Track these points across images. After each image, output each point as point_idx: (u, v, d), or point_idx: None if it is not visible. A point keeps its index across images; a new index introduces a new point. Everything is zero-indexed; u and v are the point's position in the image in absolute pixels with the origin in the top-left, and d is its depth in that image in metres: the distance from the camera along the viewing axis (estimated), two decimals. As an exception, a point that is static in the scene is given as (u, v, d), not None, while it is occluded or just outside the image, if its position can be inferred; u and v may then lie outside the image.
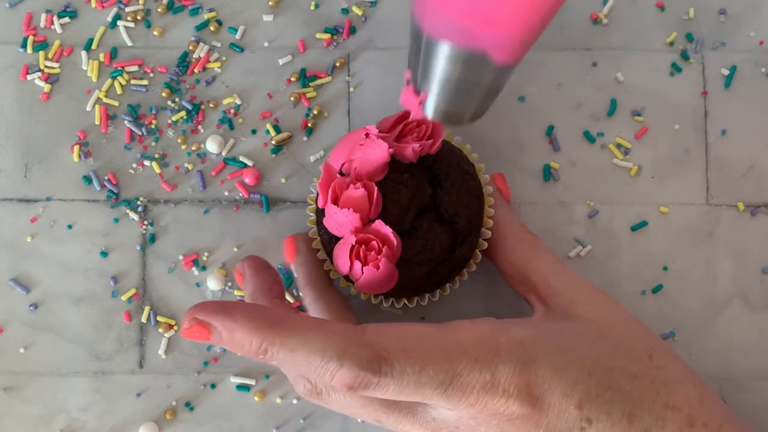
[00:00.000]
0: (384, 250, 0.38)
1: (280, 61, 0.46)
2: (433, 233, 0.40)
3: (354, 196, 0.38)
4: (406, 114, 0.40)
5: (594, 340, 0.37)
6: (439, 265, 0.40)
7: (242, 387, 0.44)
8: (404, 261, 0.39)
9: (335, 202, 0.39)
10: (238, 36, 0.47)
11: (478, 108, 0.34)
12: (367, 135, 0.39)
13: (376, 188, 0.38)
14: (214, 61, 0.46)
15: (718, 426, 0.37)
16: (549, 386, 0.35)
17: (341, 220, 0.38)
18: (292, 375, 0.39)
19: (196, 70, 0.46)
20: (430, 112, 0.34)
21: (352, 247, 0.38)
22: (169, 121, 0.46)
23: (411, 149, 0.39)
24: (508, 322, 0.37)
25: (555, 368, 0.35)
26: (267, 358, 0.34)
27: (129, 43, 0.46)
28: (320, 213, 0.41)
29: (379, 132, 0.39)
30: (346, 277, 0.40)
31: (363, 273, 0.38)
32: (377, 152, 0.39)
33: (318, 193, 0.40)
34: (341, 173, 0.40)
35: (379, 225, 0.38)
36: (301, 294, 0.42)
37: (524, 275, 0.40)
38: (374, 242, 0.38)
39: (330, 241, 0.40)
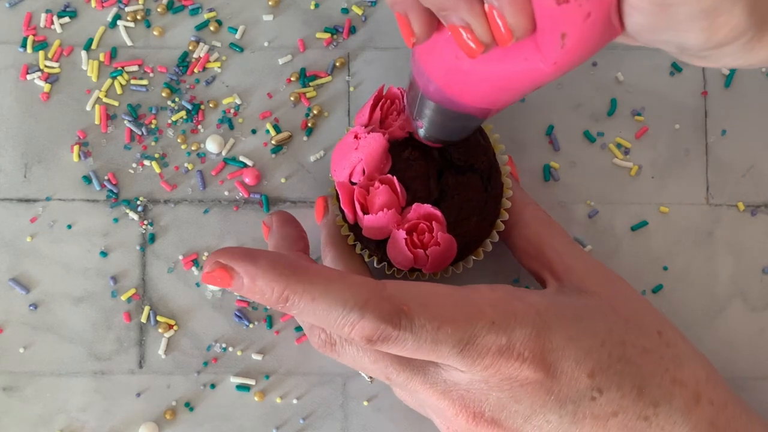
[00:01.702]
0: (434, 225, 0.38)
1: (280, 61, 0.46)
2: (462, 185, 0.40)
3: (380, 196, 0.38)
4: (376, 98, 0.40)
5: (606, 314, 0.37)
6: (484, 207, 0.40)
7: (242, 387, 0.44)
8: (453, 223, 0.39)
9: (365, 211, 0.39)
10: (238, 36, 0.47)
11: (464, 135, 0.39)
12: (356, 136, 0.39)
13: (393, 177, 0.39)
14: (214, 61, 0.46)
15: (723, 404, 0.37)
16: (563, 354, 0.35)
17: (380, 224, 0.39)
18: (307, 326, 0.39)
19: (196, 70, 0.46)
20: (423, 136, 0.39)
21: (406, 240, 0.38)
22: (169, 121, 0.46)
23: (399, 127, 0.40)
24: (523, 290, 0.37)
25: (569, 336, 0.35)
26: (287, 306, 0.34)
27: (129, 43, 0.46)
28: (355, 228, 0.41)
29: (364, 127, 0.39)
30: (412, 269, 0.40)
31: (429, 257, 0.39)
32: (374, 145, 0.39)
33: (342, 213, 0.40)
34: (352, 183, 0.40)
35: (416, 207, 0.39)
36: (321, 253, 0.42)
37: (539, 251, 0.40)
38: (422, 224, 0.38)
39: (378, 247, 0.40)
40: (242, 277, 0.34)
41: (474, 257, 0.42)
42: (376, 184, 0.39)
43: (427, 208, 0.39)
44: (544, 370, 0.35)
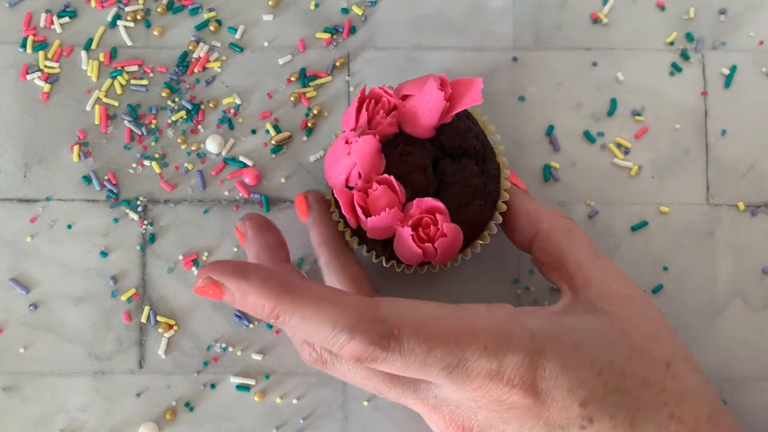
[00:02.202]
0: (437, 217, 0.38)
1: (280, 61, 0.46)
2: (458, 171, 0.40)
3: (380, 197, 0.38)
4: (360, 100, 0.40)
5: (612, 340, 0.36)
6: (484, 190, 0.40)
7: (242, 387, 0.44)
8: (456, 211, 0.40)
9: (367, 214, 0.39)
10: (237, 36, 0.47)
11: None
12: (347, 141, 0.39)
13: (390, 177, 0.39)
14: (214, 61, 0.46)
15: None
16: (555, 381, 0.35)
17: (385, 224, 0.39)
18: (298, 341, 0.39)
19: (196, 70, 0.46)
20: None
21: (412, 236, 0.38)
22: (169, 121, 0.46)
23: (388, 125, 0.40)
24: (524, 310, 0.37)
25: (564, 364, 0.35)
26: (278, 322, 0.35)
27: (129, 43, 0.46)
28: (357, 232, 0.41)
29: (354, 131, 0.39)
30: (422, 263, 0.40)
31: (437, 249, 0.39)
32: (367, 147, 0.39)
33: (344, 219, 0.40)
34: (349, 188, 0.40)
35: (417, 201, 0.39)
36: (315, 254, 0.42)
37: (559, 263, 0.39)
38: (426, 218, 0.38)
39: (385, 247, 0.40)
40: (233, 293, 0.35)
41: (480, 241, 0.41)
42: (374, 185, 0.38)
43: (429, 201, 0.39)
44: (533, 397, 0.34)
